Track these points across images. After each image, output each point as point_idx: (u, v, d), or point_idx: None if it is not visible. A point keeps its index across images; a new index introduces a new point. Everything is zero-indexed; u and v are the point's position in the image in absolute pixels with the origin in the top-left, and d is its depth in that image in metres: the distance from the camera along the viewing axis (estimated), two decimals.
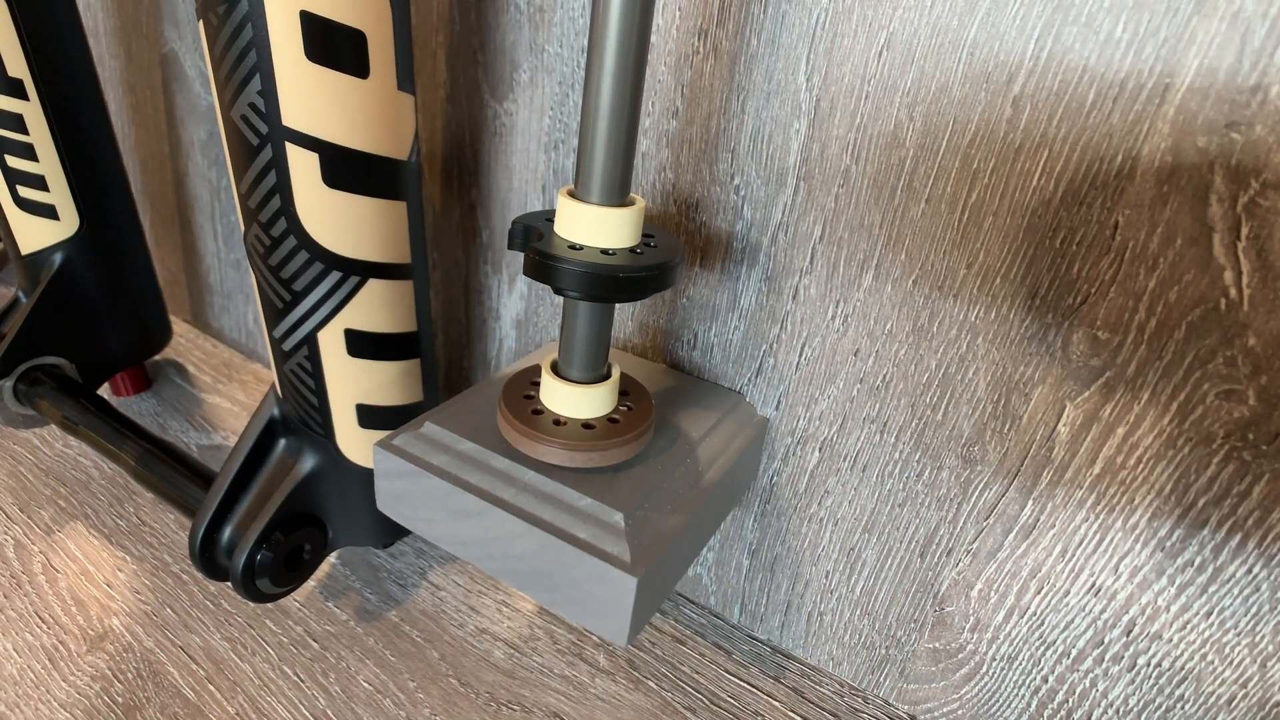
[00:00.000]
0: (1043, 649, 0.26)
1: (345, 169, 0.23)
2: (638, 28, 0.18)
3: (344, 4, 0.21)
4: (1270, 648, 0.22)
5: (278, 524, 0.29)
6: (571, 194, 0.19)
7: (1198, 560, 0.22)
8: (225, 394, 0.45)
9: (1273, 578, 0.21)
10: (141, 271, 0.42)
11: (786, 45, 0.23)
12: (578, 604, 0.21)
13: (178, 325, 0.53)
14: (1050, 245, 0.21)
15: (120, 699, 0.31)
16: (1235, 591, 0.22)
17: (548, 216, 0.20)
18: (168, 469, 0.33)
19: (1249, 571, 0.21)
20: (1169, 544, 0.22)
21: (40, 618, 0.34)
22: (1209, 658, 0.23)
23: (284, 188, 0.23)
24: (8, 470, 0.41)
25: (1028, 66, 0.20)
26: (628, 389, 0.25)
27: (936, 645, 0.28)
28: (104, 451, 0.35)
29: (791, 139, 0.24)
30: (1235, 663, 0.23)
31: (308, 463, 0.29)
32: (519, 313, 0.35)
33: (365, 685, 0.31)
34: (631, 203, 0.20)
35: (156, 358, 0.48)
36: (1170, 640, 0.23)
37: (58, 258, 0.38)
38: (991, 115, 0.21)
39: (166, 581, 0.35)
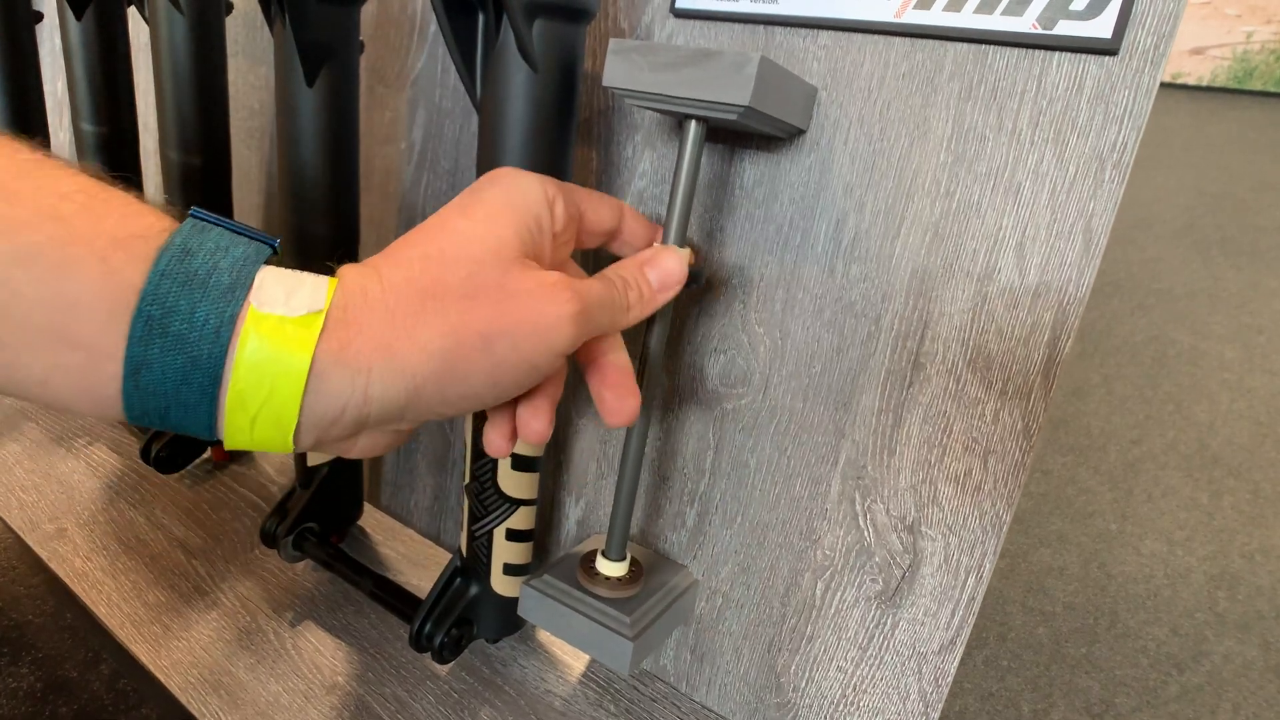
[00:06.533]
0: (820, 700, 0.54)
1: (522, 465, 0.55)
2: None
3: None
4: None
5: (456, 623, 0.59)
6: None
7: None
8: (391, 548, 0.76)
9: None
10: (358, 474, 0.73)
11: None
12: (606, 655, 0.50)
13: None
14: (815, 506, 0.53)
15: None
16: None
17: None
18: (389, 592, 0.63)
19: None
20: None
21: (296, 674, 0.63)
22: None
23: (493, 473, 0.55)
24: (261, 588, 0.70)
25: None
26: (634, 561, 0.55)
27: (779, 700, 0.56)
28: (348, 580, 0.65)
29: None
30: None
31: (473, 591, 0.59)
32: (580, 518, 0.66)
33: (484, 718, 0.59)
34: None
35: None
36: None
37: (325, 469, 0.70)
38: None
39: (370, 657, 0.64)
